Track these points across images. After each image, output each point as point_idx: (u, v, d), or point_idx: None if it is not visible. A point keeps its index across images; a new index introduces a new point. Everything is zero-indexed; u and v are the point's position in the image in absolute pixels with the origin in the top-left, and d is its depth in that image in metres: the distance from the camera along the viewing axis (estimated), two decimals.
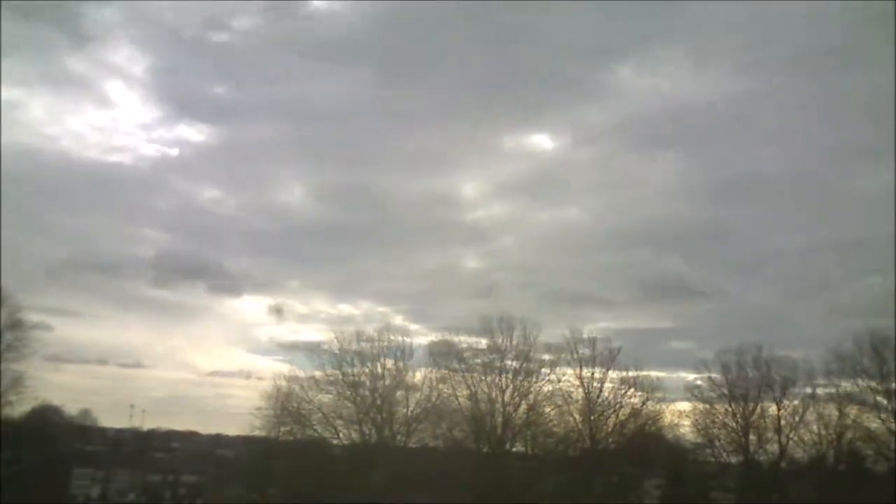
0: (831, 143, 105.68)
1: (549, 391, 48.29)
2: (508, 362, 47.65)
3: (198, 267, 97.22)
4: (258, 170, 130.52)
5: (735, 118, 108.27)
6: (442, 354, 48.35)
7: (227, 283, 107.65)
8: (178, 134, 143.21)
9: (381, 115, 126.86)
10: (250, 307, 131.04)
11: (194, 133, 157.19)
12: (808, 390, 46.43)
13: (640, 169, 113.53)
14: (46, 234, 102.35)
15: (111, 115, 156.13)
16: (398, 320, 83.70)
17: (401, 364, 47.72)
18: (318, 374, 47.55)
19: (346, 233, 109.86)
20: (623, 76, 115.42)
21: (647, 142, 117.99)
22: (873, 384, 44.01)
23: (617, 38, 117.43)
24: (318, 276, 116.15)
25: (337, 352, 47.56)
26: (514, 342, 47.75)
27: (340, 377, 47.08)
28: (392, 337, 48.28)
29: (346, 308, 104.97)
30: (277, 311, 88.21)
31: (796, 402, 46.36)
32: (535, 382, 47.95)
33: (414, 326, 73.03)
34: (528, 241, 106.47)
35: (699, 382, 49.20)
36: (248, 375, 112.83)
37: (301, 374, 48.01)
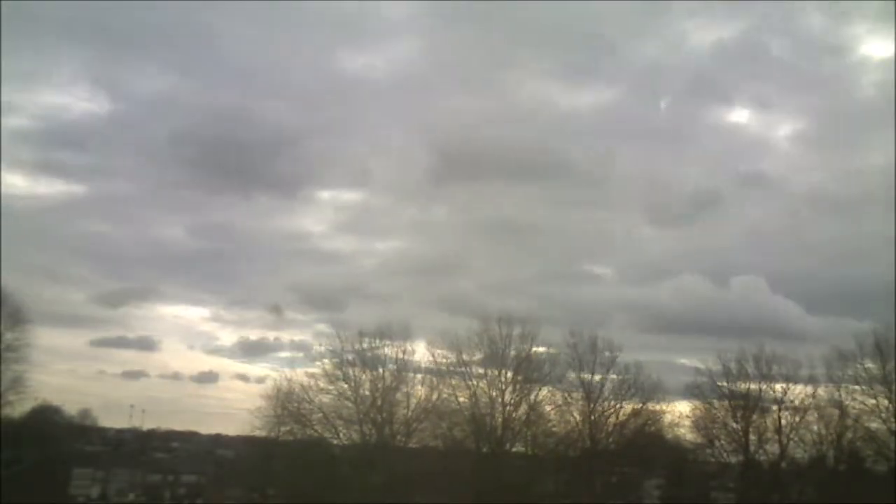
0: None
1: (548, 391, 48.33)
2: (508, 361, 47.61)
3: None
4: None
5: None
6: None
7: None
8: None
9: None
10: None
11: None
12: (809, 390, 46.43)
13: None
14: None
15: None
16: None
17: (401, 364, 47.70)
18: (318, 373, 47.57)
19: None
20: None
21: None
22: (875, 384, 43.97)
23: None
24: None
25: (338, 352, 47.54)
26: (514, 342, 47.75)
27: (341, 377, 47.06)
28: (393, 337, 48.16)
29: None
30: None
31: (797, 402, 46.38)
32: (535, 382, 47.94)
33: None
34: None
35: (699, 382, 49.05)
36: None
37: (299, 372, 48.12)
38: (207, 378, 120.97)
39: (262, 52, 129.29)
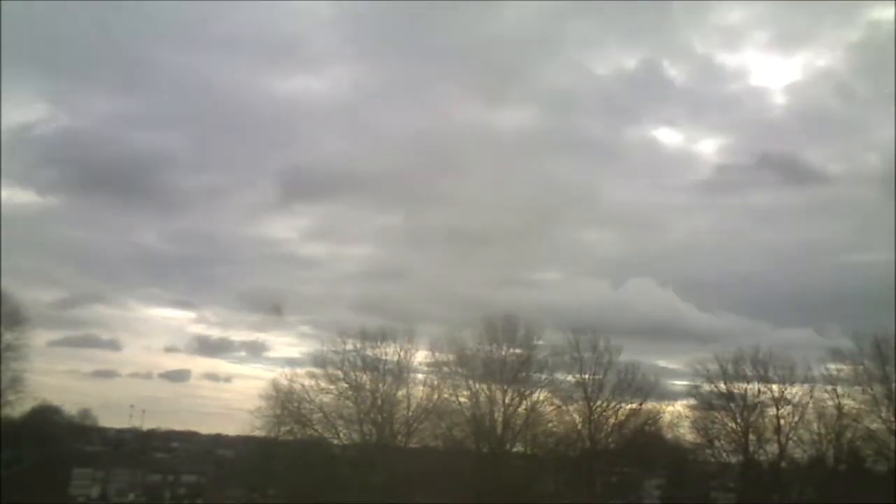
0: None
1: (548, 391, 48.36)
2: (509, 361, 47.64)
3: None
4: None
5: None
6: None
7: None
8: None
9: None
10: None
11: None
12: (808, 389, 46.47)
13: None
14: None
15: None
16: None
17: (402, 364, 47.73)
18: (318, 373, 47.57)
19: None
20: None
21: None
22: (874, 384, 44.03)
23: None
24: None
25: (339, 352, 47.55)
26: (516, 343, 47.80)
27: (341, 377, 47.08)
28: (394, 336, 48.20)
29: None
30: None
31: (796, 402, 46.42)
32: (535, 383, 47.98)
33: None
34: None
35: (698, 383, 49.09)
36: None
37: (301, 372, 48.13)
38: (178, 377, 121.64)
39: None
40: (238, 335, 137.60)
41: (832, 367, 45.79)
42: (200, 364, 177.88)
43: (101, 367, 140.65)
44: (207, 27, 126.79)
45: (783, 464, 46.69)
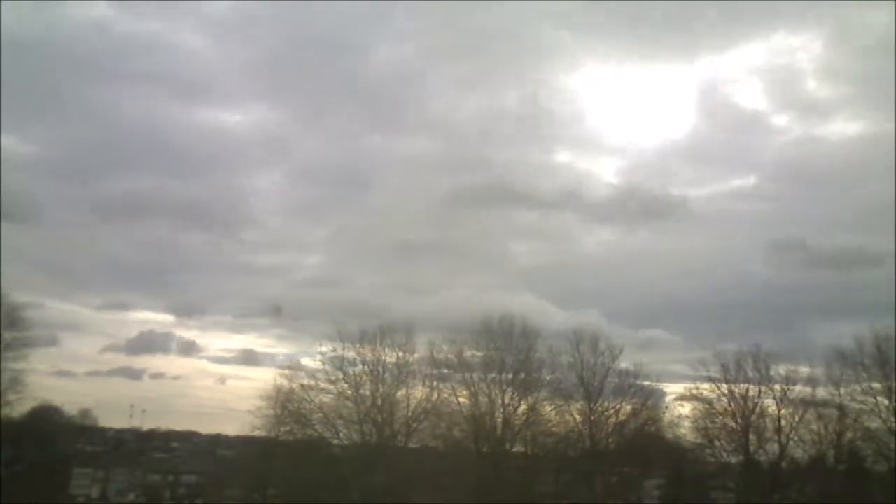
0: None
1: (548, 391, 48.35)
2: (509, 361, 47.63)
3: None
4: None
5: None
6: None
7: None
8: None
9: None
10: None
11: None
12: (809, 390, 46.50)
13: None
14: None
15: None
16: None
17: (402, 364, 47.67)
18: (318, 373, 47.56)
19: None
20: None
21: None
22: (874, 383, 44.04)
23: None
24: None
25: (339, 352, 47.50)
26: (515, 342, 47.76)
27: (341, 377, 47.08)
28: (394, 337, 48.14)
29: None
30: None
31: (797, 402, 46.41)
32: (535, 383, 47.94)
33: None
34: None
35: (698, 382, 49.10)
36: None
37: (302, 373, 48.09)
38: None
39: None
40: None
41: (834, 366, 45.73)
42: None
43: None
44: (129, 62, 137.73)
45: (783, 464, 46.70)
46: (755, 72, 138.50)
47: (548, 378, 48.39)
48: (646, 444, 49.00)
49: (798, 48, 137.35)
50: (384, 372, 47.20)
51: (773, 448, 46.69)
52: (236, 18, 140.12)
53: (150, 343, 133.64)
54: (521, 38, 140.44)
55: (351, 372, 47.15)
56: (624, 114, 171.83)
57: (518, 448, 48.66)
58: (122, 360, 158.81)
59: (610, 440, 48.43)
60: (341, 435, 47.82)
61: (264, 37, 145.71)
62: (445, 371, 48.04)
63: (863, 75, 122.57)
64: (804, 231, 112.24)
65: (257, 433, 49.03)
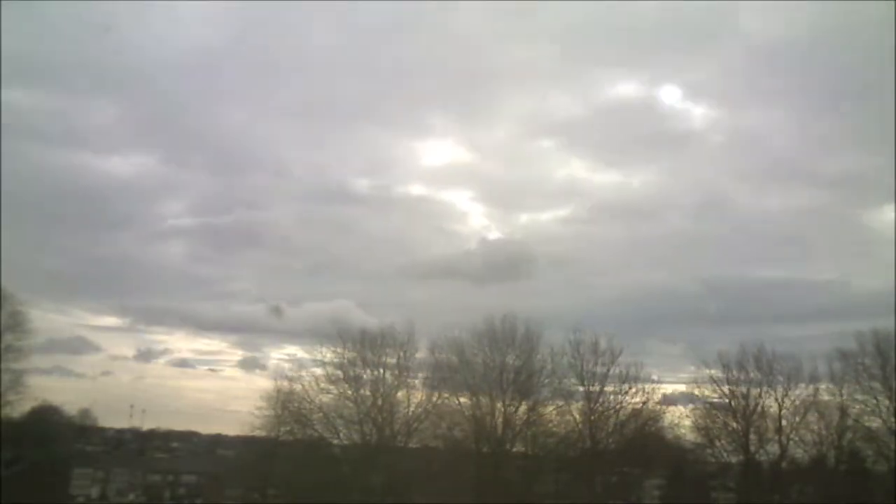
0: None
1: (549, 391, 48.29)
2: (510, 361, 47.60)
3: None
4: None
5: None
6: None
7: None
8: None
9: None
10: None
11: None
12: (810, 390, 46.46)
13: None
14: None
15: None
16: None
17: (402, 364, 47.65)
18: (319, 373, 47.54)
19: None
20: None
21: None
22: (875, 384, 44.02)
23: None
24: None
25: (339, 351, 47.49)
26: (517, 342, 47.73)
27: (342, 377, 47.03)
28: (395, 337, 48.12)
29: None
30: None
31: (798, 402, 46.40)
32: (536, 383, 47.90)
33: None
34: None
35: (699, 382, 49.06)
36: None
37: (303, 373, 48.07)
38: None
39: None
40: None
41: (836, 366, 45.73)
42: None
43: None
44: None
45: (784, 464, 46.67)
46: None
47: (548, 379, 48.31)
48: (646, 444, 48.90)
49: None
50: (385, 372, 47.24)
51: (774, 448, 46.76)
52: None
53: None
54: None
55: (351, 372, 47.17)
56: None
57: (518, 448, 48.60)
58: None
59: (610, 440, 48.32)
60: (341, 435, 47.82)
61: None
62: (446, 371, 47.95)
63: None
64: None
65: (257, 433, 49.08)
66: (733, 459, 48.43)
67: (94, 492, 75.34)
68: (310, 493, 43.85)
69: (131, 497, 78.18)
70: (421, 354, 48.54)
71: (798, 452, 46.93)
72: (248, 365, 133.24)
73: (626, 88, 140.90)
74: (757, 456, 47.12)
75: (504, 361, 47.40)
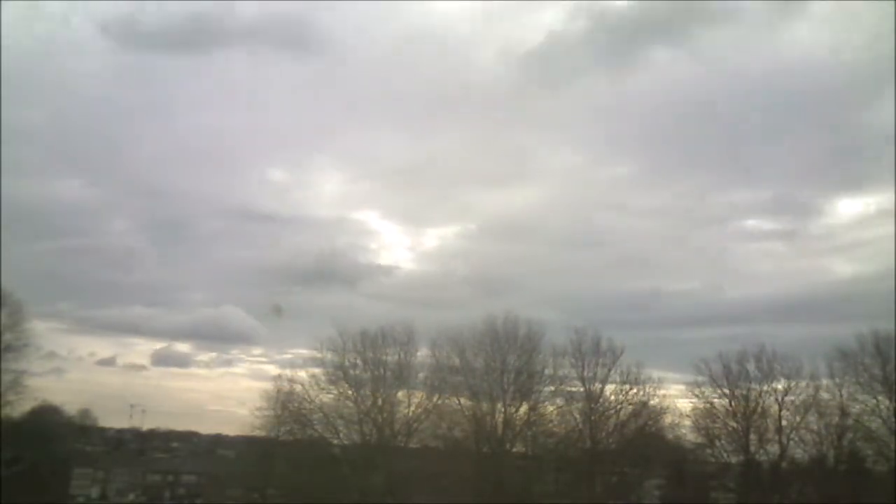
0: None
1: (549, 391, 48.30)
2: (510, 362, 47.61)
3: None
4: None
5: None
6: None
7: None
8: None
9: None
10: None
11: None
12: (811, 390, 46.46)
13: None
14: None
15: None
16: None
17: (403, 364, 47.63)
18: (319, 373, 47.53)
19: None
20: None
21: None
22: (875, 384, 44.03)
23: None
24: None
25: (340, 351, 47.49)
26: (519, 342, 47.73)
27: (342, 377, 47.02)
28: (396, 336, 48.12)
29: None
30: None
31: (798, 403, 46.40)
32: (536, 383, 47.91)
33: None
34: None
35: (700, 382, 49.01)
36: None
37: (303, 373, 48.09)
38: None
39: None
40: None
41: (836, 366, 45.72)
42: None
43: None
44: None
45: (784, 464, 46.69)
46: None
47: (548, 379, 48.31)
48: (646, 444, 48.89)
49: None
50: (385, 372, 47.22)
51: (774, 448, 46.78)
52: None
53: None
54: None
55: (352, 372, 47.17)
56: None
57: (519, 448, 48.64)
58: None
59: (610, 440, 48.35)
60: (341, 435, 47.90)
61: None
62: (447, 372, 47.95)
63: None
64: None
65: (257, 433, 49.05)
66: (733, 459, 48.43)
67: (94, 492, 75.37)
68: (310, 494, 43.85)
69: (131, 497, 78.23)
70: (422, 354, 48.69)
71: (798, 452, 47.00)
72: (232, 364, 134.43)
73: None
74: (757, 456, 47.14)
75: (505, 362, 47.46)
